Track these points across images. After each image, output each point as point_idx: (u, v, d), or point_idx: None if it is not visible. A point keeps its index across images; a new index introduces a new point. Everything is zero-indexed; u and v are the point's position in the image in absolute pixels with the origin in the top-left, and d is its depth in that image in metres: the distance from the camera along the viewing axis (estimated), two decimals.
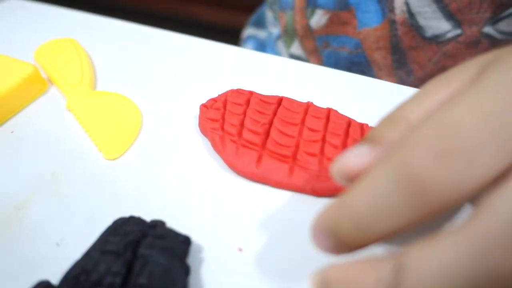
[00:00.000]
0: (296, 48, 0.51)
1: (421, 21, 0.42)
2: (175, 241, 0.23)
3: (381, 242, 0.18)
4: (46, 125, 0.32)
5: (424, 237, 0.16)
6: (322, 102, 0.32)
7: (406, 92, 0.34)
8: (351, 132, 0.29)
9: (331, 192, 0.26)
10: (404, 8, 0.42)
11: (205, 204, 0.27)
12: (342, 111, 0.32)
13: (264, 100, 0.31)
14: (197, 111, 0.32)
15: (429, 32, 0.42)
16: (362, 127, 0.30)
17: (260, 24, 0.61)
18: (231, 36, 0.59)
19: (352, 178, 0.19)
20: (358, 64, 0.47)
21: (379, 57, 0.46)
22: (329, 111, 0.31)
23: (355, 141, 0.28)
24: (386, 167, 0.17)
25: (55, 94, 0.35)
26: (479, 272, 0.15)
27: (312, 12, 0.47)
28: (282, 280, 0.23)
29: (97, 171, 0.29)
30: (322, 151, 0.28)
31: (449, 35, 0.42)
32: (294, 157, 0.28)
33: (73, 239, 0.25)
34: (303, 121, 0.30)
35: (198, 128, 0.31)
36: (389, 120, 0.20)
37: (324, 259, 0.24)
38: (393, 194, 0.17)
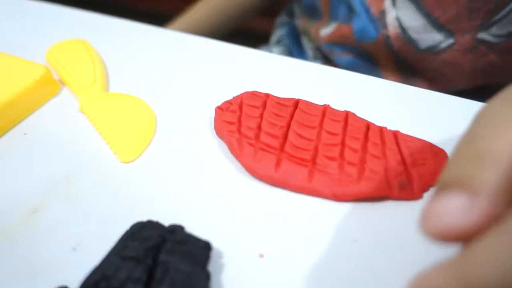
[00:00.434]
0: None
1: (413, 35, 0.42)
2: (196, 246, 0.22)
3: None
4: (59, 127, 0.32)
5: None
6: (338, 104, 0.32)
7: (424, 95, 0.33)
8: (371, 135, 0.28)
9: (352, 197, 0.26)
10: (396, 24, 0.42)
11: (223, 209, 0.26)
12: (360, 114, 0.31)
13: (280, 102, 0.31)
14: (212, 114, 0.31)
15: (423, 45, 0.43)
16: (381, 131, 0.29)
17: (293, 14, 0.61)
18: (245, 38, 0.59)
19: (457, 238, 0.15)
20: (363, 65, 0.47)
21: (384, 60, 0.46)
22: (347, 113, 0.30)
23: (375, 145, 0.28)
24: None
25: (67, 96, 0.35)
26: None
27: (327, 23, 0.48)
28: (303, 286, 0.23)
29: (112, 174, 0.28)
30: (341, 154, 0.27)
31: (443, 45, 0.42)
32: (314, 161, 0.27)
33: (90, 244, 0.25)
34: (321, 124, 0.29)
35: (213, 131, 0.31)
36: (474, 155, 0.16)
37: (349, 266, 0.23)
38: None
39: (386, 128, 0.29)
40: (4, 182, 0.28)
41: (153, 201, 0.27)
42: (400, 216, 0.25)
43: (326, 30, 0.49)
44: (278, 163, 0.27)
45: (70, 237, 0.25)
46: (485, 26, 0.40)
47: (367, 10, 0.43)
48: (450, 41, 0.42)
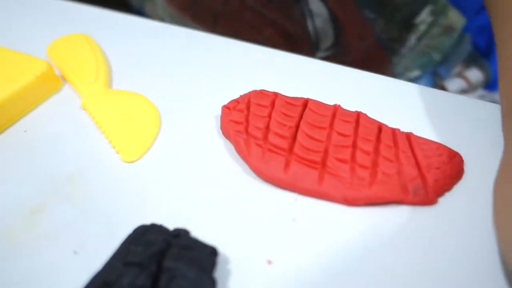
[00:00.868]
0: None
1: None
2: (202, 252, 0.21)
3: None
4: (60, 125, 0.31)
5: None
6: (349, 104, 0.31)
7: (438, 96, 0.32)
8: (383, 137, 0.27)
9: (363, 201, 0.25)
10: None
11: (230, 212, 0.25)
12: (371, 114, 0.30)
13: (289, 101, 0.30)
14: (218, 113, 0.30)
15: None
16: (394, 132, 0.28)
17: None
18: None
19: None
20: None
21: None
22: (358, 114, 0.29)
23: (388, 148, 0.27)
24: None
25: (69, 93, 0.34)
26: None
27: None
28: None
29: (115, 174, 0.27)
30: (353, 157, 0.26)
31: None
32: (324, 163, 0.26)
33: (92, 247, 0.24)
34: (331, 125, 0.28)
35: (219, 131, 0.30)
36: None
37: (360, 274, 0.22)
38: None
39: (399, 129, 0.28)
40: (3, 181, 0.27)
41: (156, 203, 0.26)
42: (414, 222, 0.24)
43: None
44: (287, 165, 0.26)
45: (71, 239, 0.24)
46: None
47: None
48: None
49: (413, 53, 0.51)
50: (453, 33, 0.51)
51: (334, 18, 0.46)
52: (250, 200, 0.26)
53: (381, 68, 0.51)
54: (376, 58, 0.50)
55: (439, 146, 0.27)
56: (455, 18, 0.50)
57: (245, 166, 0.27)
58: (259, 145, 0.27)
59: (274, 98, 0.30)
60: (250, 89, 0.31)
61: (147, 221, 0.24)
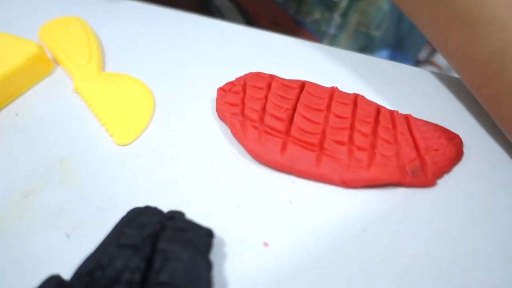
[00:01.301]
0: None
1: None
2: (197, 234, 0.21)
3: None
4: (52, 108, 0.30)
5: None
6: (346, 86, 0.30)
7: (436, 77, 0.32)
8: (381, 119, 0.27)
9: (361, 183, 0.25)
10: None
11: (226, 195, 0.25)
12: (368, 96, 0.30)
13: (286, 84, 0.29)
14: (213, 95, 0.30)
15: None
16: (392, 114, 0.28)
17: None
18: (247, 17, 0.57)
19: None
20: None
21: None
22: (355, 96, 0.29)
23: (386, 129, 0.26)
24: None
25: (61, 75, 0.33)
26: None
27: None
28: (310, 277, 0.21)
29: (108, 157, 0.27)
30: (351, 139, 0.26)
31: None
32: (321, 145, 0.26)
33: (84, 230, 0.23)
34: (328, 107, 0.28)
35: (215, 113, 0.29)
36: None
37: (358, 256, 0.22)
38: None
39: (397, 111, 0.28)
40: None
41: (151, 186, 0.25)
42: (412, 204, 0.24)
43: None
44: (283, 147, 0.26)
45: (63, 223, 0.24)
46: None
47: None
48: None
49: (346, 33, 0.49)
50: (381, 5, 0.48)
51: (243, 11, 0.45)
52: (246, 182, 0.25)
53: None
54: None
55: (437, 127, 0.27)
56: None
57: (241, 148, 0.27)
58: (255, 127, 0.27)
59: (270, 80, 0.30)
60: (246, 72, 0.31)
61: (141, 204, 0.23)
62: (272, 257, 0.22)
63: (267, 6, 0.47)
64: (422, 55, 0.55)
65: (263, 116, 0.27)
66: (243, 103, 0.28)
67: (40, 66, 0.33)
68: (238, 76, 0.30)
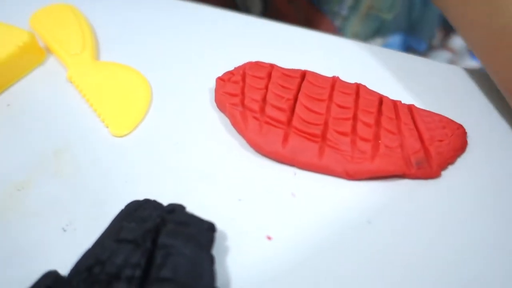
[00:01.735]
0: None
1: None
2: (199, 228, 0.20)
3: None
4: (45, 98, 0.29)
5: None
6: (347, 76, 0.30)
7: (438, 67, 0.31)
8: (384, 109, 0.26)
9: (365, 175, 0.24)
10: None
11: (227, 188, 0.24)
12: (370, 86, 0.29)
13: (286, 73, 0.29)
14: (212, 85, 0.29)
15: None
16: (396, 104, 0.27)
17: None
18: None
19: None
20: None
21: None
22: (358, 86, 0.28)
23: (390, 120, 0.26)
24: None
25: (54, 64, 0.32)
26: None
27: None
28: (315, 271, 0.21)
29: (104, 148, 0.26)
30: (354, 130, 0.25)
31: None
32: (324, 136, 0.25)
33: (81, 224, 0.23)
34: (330, 97, 0.27)
35: (214, 103, 0.28)
36: None
37: (363, 250, 0.22)
38: None
39: (400, 101, 0.27)
40: None
41: (149, 179, 0.25)
42: (417, 196, 0.24)
43: None
44: (285, 138, 0.25)
45: (59, 217, 0.23)
46: None
47: None
48: None
49: (358, 16, 0.49)
50: None
51: None
52: (247, 175, 0.25)
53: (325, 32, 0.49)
54: (314, 22, 0.48)
55: (442, 118, 0.26)
56: None
57: (242, 140, 0.26)
58: (256, 118, 0.26)
59: (270, 69, 0.29)
60: (245, 61, 0.30)
61: (139, 197, 0.22)
62: (276, 251, 0.21)
63: None
64: (436, 40, 0.55)
65: (263, 107, 0.27)
66: (243, 93, 0.27)
67: (32, 55, 0.31)
68: (237, 65, 0.30)
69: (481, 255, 0.22)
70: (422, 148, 0.25)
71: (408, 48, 0.53)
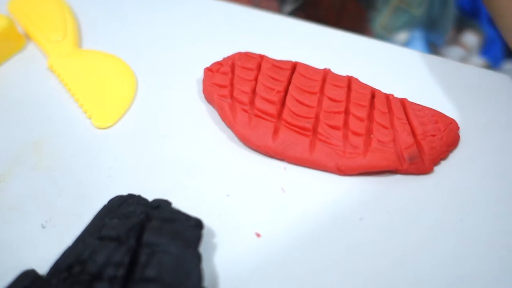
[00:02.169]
0: None
1: None
2: (185, 225, 0.19)
3: None
4: (25, 87, 0.28)
5: None
6: (338, 68, 0.29)
7: (431, 61, 0.30)
8: (377, 103, 0.26)
9: (357, 170, 0.23)
10: None
11: (214, 182, 0.23)
12: (362, 79, 0.28)
13: (277, 65, 0.28)
14: (200, 76, 0.28)
15: None
16: (388, 98, 0.26)
17: None
18: None
19: None
20: None
21: None
22: (349, 79, 0.27)
23: (382, 114, 0.25)
24: None
25: (33, 52, 0.31)
26: None
27: None
28: (305, 268, 0.20)
29: (86, 140, 0.25)
30: (346, 124, 0.25)
31: None
32: (315, 130, 0.25)
33: (62, 220, 0.22)
34: (322, 90, 0.27)
35: (202, 95, 0.28)
36: None
37: (355, 247, 0.21)
38: None
39: (393, 95, 0.27)
40: None
41: (134, 173, 0.24)
42: (410, 192, 0.23)
43: None
44: (275, 132, 0.24)
45: (38, 212, 0.22)
46: None
47: None
48: None
49: (389, 9, 0.49)
50: None
51: None
52: (236, 169, 0.24)
53: (357, 23, 0.49)
54: (350, 11, 0.48)
55: (434, 112, 0.26)
56: None
57: (230, 133, 0.25)
58: (245, 111, 0.25)
59: (260, 60, 0.28)
60: (234, 51, 0.29)
61: (123, 192, 0.22)
62: (265, 248, 0.21)
63: None
64: (449, 36, 0.57)
65: (253, 99, 0.26)
66: (231, 84, 0.27)
67: (10, 41, 0.30)
68: (226, 55, 0.29)
69: (474, 250, 0.21)
70: (415, 143, 0.24)
71: (429, 43, 0.54)
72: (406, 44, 0.53)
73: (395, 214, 0.22)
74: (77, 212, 0.22)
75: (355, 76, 0.28)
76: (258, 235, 0.21)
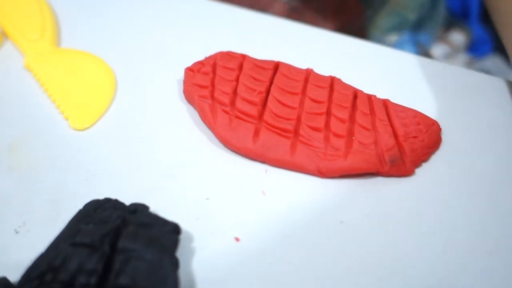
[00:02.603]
0: None
1: None
2: (162, 230, 0.19)
3: None
4: (0, 87, 0.27)
5: None
6: (321, 68, 0.29)
7: (414, 61, 0.30)
8: (359, 104, 0.26)
9: (338, 173, 0.23)
10: None
11: (194, 185, 0.23)
12: (345, 79, 0.28)
13: (258, 65, 0.28)
14: (181, 76, 0.28)
15: None
16: (370, 99, 0.26)
17: None
18: None
19: None
20: None
21: None
22: (332, 79, 0.27)
23: (364, 115, 0.25)
24: None
25: (10, 51, 0.30)
26: None
27: None
28: (285, 273, 0.20)
29: (63, 143, 0.25)
30: (327, 125, 0.25)
31: None
32: (296, 132, 0.24)
33: (36, 225, 0.21)
34: (304, 91, 0.26)
35: (182, 95, 0.27)
36: None
37: (335, 251, 0.21)
38: None
39: (375, 96, 0.27)
40: None
41: (112, 176, 0.23)
42: (390, 194, 0.23)
43: None
44: (256, 134, 0.24)
45: (11, 217, 0.21)
46: None
47: None
48: None
49: (385, 11, 0.50)
50: None
51: None
52: (216, 172, 0.24)
53: (354, 19, 0.49)
54: (350, 7, 0.48)
55: (416, 114, 0.26)
56: None
57: (211, 134, 0.25)
58: (226, 112, 0.25)
59: (242, 60, 0.28)
60: (216, 51, 0.28)
61: (100, 196, 0.21)
62: (244, 253, 0.20)
63: None
64: (438, 34, 0.58)
65: (234, 100, 0.25)
66: (212, 85, 0.26)
67: None
68: (207, 55, 0.28)
69: (454, 254, 0.21)
70: (396, 145, 0.24)
71: (417, 43, 0.55)
72: (396, 45, 0.53)
73: (375, 217, 0.22)
74: (52, 217, 0.21)
75: (338, 76, 0.28)
76: (237, 239, 0.21)
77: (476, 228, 0.22)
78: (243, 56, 0.28)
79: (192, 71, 0.27)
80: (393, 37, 0.53)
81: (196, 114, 0.26)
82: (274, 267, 0.20)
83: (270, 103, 0.25)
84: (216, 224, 0.21)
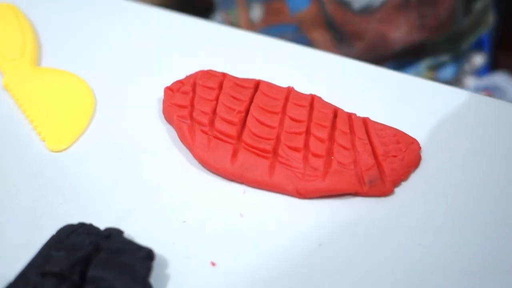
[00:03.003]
0: None
1: None
2: (135, 256, 0.19)
3: None
4: None
5: None
6: (302, 86, 0.29)
7: (394, 78, 0.30)
8: (339, 123, 0.26)
9: (317, 193, 0.23)
10: None
11: (171, 207, 0.23)
12: (326, 97, 0.28)
13: (239, 83, 0.27)
14: (161, 95, 0.28)
15: (357, 4, 0.45)
16: (350, 117, 0.26)
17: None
18: (201, 9, 0.55)
19: None
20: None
21: (319, 36, 0.48)
22: (312, 98, 0.27)
23: (344, 134, 0.25)
24: None
25: None
26: None
27: (250, 6, 0.50)
28: None
29: (39, 164, 0.24)
30: (306, 145, 0.24)
31: (376, 3, 0.45)
32: (275, 152, 0.24)
33: (7, 252, 0.21)
34: (284, 109, 0.26)
35: (161, 115, 0.27)
36: None
37: (313, 274, 0.21)
38: None
39: (355, 114, 0.26)
40: None
41: (88, 199, 0.23)
42: (370, 215, 0.23)
43: (256, 14, 0.49)
44: (234, 154, 0.24)
45: None
46: None
47: None
48: None
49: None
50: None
51: None
52: (194, 193, 0.23)
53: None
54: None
55: (396, 132, 0.26)
56: None
57: (189, 155, 0.25)
58: (205, 132, 0.25)
59: (222, 79, 0.28)
60: (197, 69, 0.28)
61: (76, 220, 0.21)
62: (220, 279, 0.20)
63: None
64: None
65: (213, 120, 0.25)
66: (192, 104, 0.26)
67: None
68: (188, 73, 0.28)
69: (433, 274, 0.21)
70: (376, 164, 0.24)
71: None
72: None
73: (354, 239, 0.22)
74: (26, 242, 0.21)
75: (319, 94, 0.28)
76: (213, 264, 0.21)
77: (457, 247, 0.22)
78: (224, 75, 0.28)
79: (171, 91, 0.27)
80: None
81: (175, 134, 0.26)
82: None
83: (249, 123, 0.25)
84: (193, 248, 0.21)
